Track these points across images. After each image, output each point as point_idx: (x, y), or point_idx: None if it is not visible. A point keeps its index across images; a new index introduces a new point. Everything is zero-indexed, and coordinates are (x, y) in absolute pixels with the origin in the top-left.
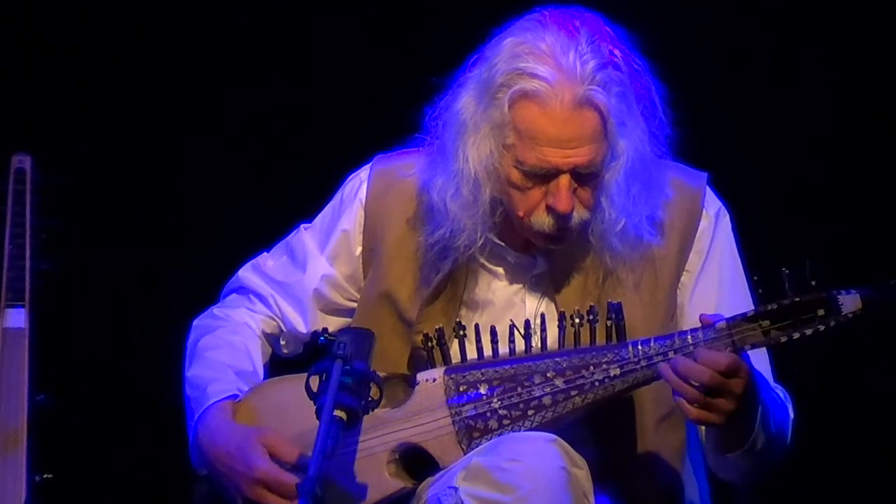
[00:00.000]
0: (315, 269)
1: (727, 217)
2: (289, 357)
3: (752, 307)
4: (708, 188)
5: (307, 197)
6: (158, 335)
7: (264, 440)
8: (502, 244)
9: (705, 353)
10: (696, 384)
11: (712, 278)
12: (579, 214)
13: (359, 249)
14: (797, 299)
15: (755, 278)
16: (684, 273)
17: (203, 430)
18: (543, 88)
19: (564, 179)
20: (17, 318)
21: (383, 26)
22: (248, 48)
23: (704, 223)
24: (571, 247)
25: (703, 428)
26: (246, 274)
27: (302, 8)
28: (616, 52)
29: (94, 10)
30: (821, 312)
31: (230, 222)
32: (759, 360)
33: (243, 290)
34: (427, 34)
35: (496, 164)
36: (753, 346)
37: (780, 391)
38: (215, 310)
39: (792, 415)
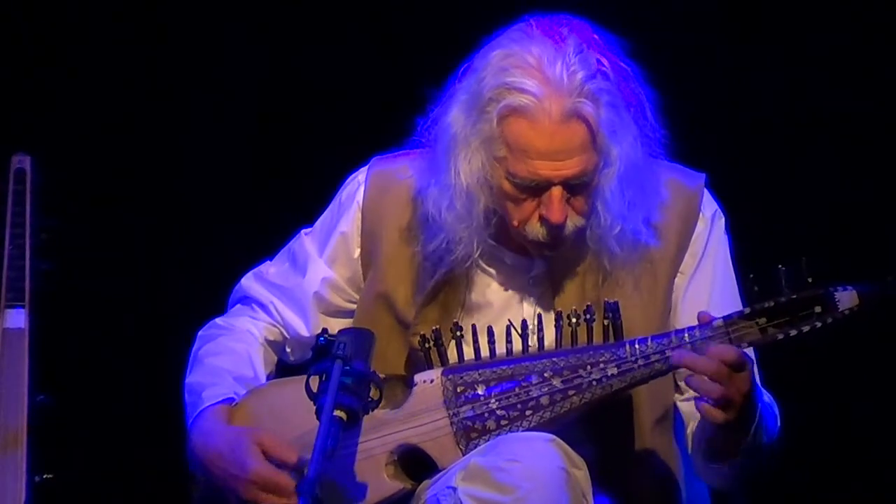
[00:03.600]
0: (315, 273)
1: (722, 220)
2: (296, 364)
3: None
4: (705, 190)
5: (310, 197)
6: (158, 335)
7: (258, 440)
8: (499, 246)
9: (713, 345)
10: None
11: (705, 281)
12: (573, 222)
13: (357, 252)
14: (794, 296)
15: (751, 276)
16: (678, 275)
17: (197, 434)
18: (531, 103)
19: (556, 191)
20: (17, 318)
21: (379, 29)
22: (249, 51)
23: (701, 226)
24: (570, 249)
25: (691, 434)
26: (248, 283)
27: (299, 11)
28: (604, 59)
29: (95, 10)
30: (818, 309)
31: (231, 222)
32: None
33: (246, 299)
34: (420, 35)
35: (488, 177)
36: (750, 344)
37: (768, 398)
38: (219, 320)
39: (778, 424)
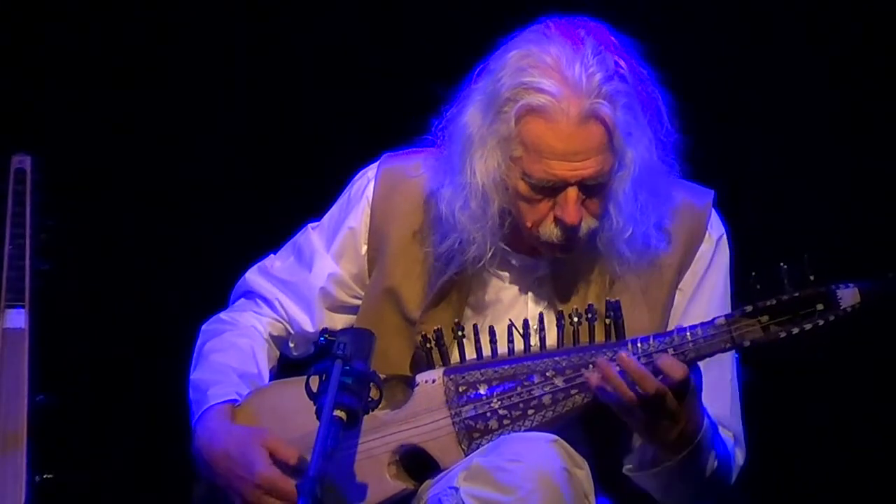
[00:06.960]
0: (321, 268)
1: (726, 241)
2: (299, 359)
3: None
4: (713, 210)
5: (310, 197)
6: (158, 335)
7: (265, 443)
8: (508, 249)
9: (666, 358)
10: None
11: (703, 301)
12: (587, 224)
13: (364, 248)
14: (796, 294)
15: (754, 273)
16: (678, 291)
17: (202, 433)
18: (549, 103)
19: (572, 192)
20: (17, 318)
21: (389, 26)
22: (252, 47)
23: (706, 246)
24: (578, 252)
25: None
26: (252, 277)
27: (310, 5)
28: (621, 62)
29: (95, 10)
30: (819, 307)
31: (231, 222)
32: (719, 394)
33: (250, 293)
34: (432, 33)
35: (503, 177)
36: (752, 342)
37: (729, 436)
38: (223, 315)
39: (741, 461)
